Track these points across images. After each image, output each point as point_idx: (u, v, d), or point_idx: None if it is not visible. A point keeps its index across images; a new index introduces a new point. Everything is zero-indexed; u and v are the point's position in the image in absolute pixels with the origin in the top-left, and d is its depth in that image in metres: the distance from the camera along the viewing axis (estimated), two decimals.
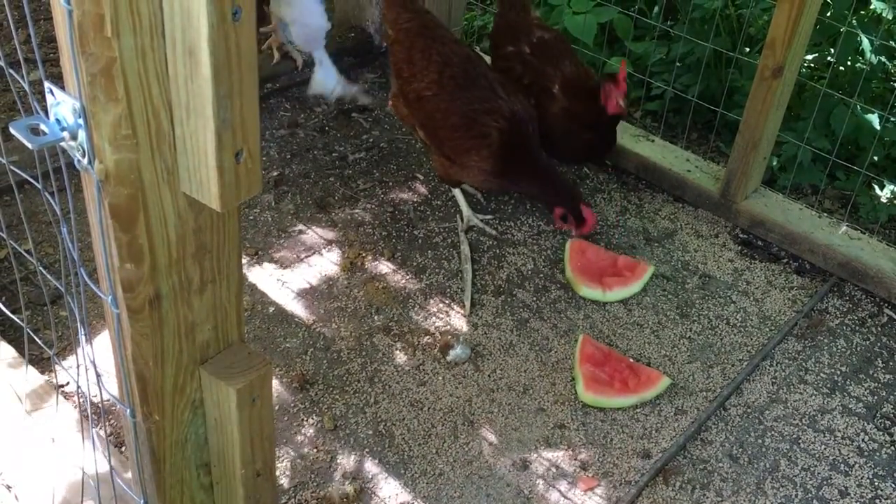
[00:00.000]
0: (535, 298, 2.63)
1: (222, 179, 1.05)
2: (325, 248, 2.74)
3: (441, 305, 2.57)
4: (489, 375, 2.37)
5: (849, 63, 3.29)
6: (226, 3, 0.93)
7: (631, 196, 3.07)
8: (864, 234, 2.86)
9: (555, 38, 2.87)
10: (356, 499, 2.03)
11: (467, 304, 2.56)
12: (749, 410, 2.36)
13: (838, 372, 2.49)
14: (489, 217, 2.89)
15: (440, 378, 2.35)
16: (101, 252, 1.13)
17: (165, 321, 1.19)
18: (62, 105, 1.04)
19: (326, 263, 2.68)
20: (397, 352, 2.41)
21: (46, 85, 1.05)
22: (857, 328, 2.64)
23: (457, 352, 2.38)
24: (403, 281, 2.64)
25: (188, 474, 1.39)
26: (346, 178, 3.04)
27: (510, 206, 2.98)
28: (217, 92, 0.99)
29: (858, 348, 2.57)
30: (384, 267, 2.69)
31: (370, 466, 2.11)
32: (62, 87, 1.05)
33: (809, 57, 3.32)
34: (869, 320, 2.68)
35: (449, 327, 2.49)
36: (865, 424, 2.34)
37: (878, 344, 2.60)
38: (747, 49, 3.44)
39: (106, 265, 1.14)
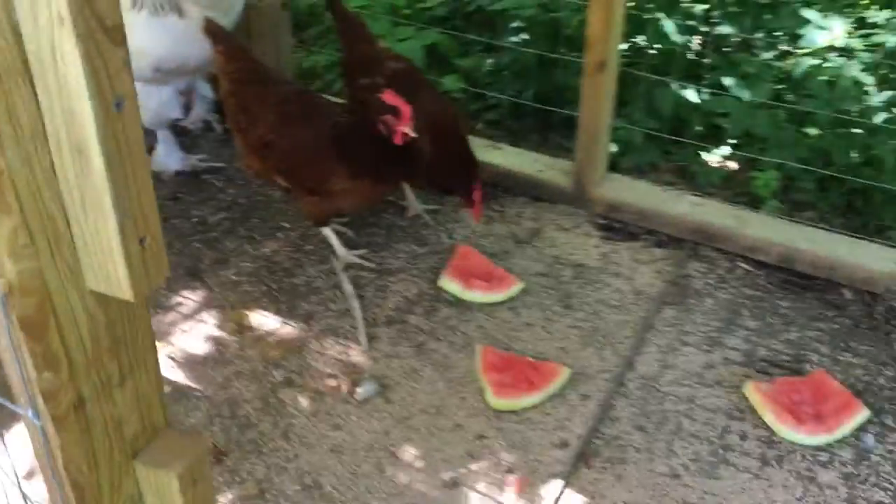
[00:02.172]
0: (426, 321, 2.69)
1: (131, 269, 1.05)
2: (207, 315, 2.69)
3: (338, 347, 2.58)
4: (400, 404, 2.41)
5: (659, 46, 3.56)
6: (108, 96, 0.94)
7: (493, 204, 3.19)
8: (706, 197, 3.11)
9: (408, 70, 2.95)
10: None
11: (363, 339, 2.59)
12: (645, 381, 2.51)
13: (713, 328, 2.69)
14: (363, 251, 2.93)
15: (354, 418, 2.36)
16: (14, 367, 1.10)
17: (92, 423, 1.17)
18: None
19: (212, 330, 2.64)
20: (305, 402, 2.41)
21: None
22: (719, 285, 2.86)
23: (365, 388, 2.40)
24: (295, 331, 2.64)
25: None
26: (211, 242, 2.99)
27: (381, 237, 3.03)
28: (113, 184, 0.99)
29: (724, 303, 2.79)
30: (272, 321, 2.67)
31: None
32: None
33: (625, 46, 3.56)
34: (727, 275, 2.90)
35: (351, 366, 2.51)
36: (747, 370, 2.54)
37: (740, 295, 2.82)
38: (564, 50, 3.64)
39: (22, 379, 1.10)
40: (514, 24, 3.75)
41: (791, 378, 2.48)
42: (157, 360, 1.26)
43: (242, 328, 2.64)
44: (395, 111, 2.50)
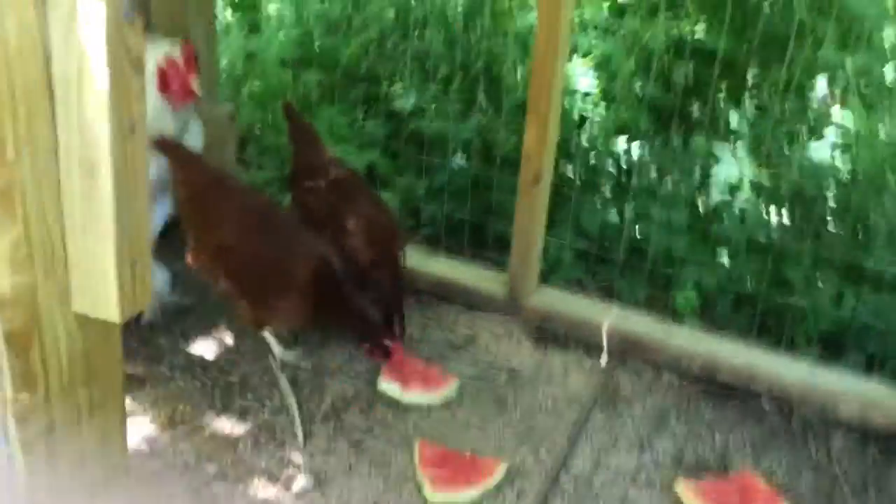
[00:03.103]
0: (363, 419, 2.69)
1: (122, 290, 1.08)
2: (138, 410, 2.62)
3: (274, 442, 2.55)
4: (336, 499, 2.37)
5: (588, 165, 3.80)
6: (124, 117, 1.00)
7: (429, 312, 3.27)
8: (633, 311, 3.26)
9: (350, 176, 3.07)
10: None
11: (300, 434, 2.56)
12: (579, 480, 2.55)
13: (643, 432, 2.77)
14: (299, 350, 2.93)
15: None
16: None
17: (58, 454, 1.15)
18: None
19: (144, 424, 2.57)
20: (239, 497, 2.35)
21: None
22: (647, 394, 2.97)
23: (301, 483, 2.36)
24: (229, 426, 2.59)
25: None
26: (145, 340, 2.95)
27: (317, 336, 3.04)
28: (118, 205, 1.04)
29: (651, 409, 2.89)
30: (206, 416, 2.62)
31: None
32: None
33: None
34: (653, 384, 3.02)
35: (287, 461, 2.47)
36: (675, 473, 2.61)
37: (667, 402, 2.93)
38: (497, 171, 3.84)
39: None
40: (451, 147, 3.95)
41: (718, 479, 2.56)
42: (123, 402, 1.26)
43: (174, 422, 2.58)
44: (386, 351, 2.75)
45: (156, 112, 2.58)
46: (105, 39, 0.91)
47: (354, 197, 3.00)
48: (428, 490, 2.38)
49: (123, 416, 1.24)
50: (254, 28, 4.64)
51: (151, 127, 2.72)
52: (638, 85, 3.86)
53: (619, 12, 3.90)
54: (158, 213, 2.95)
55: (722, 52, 3.55)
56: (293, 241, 2.72)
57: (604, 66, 3.77)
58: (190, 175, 2.74)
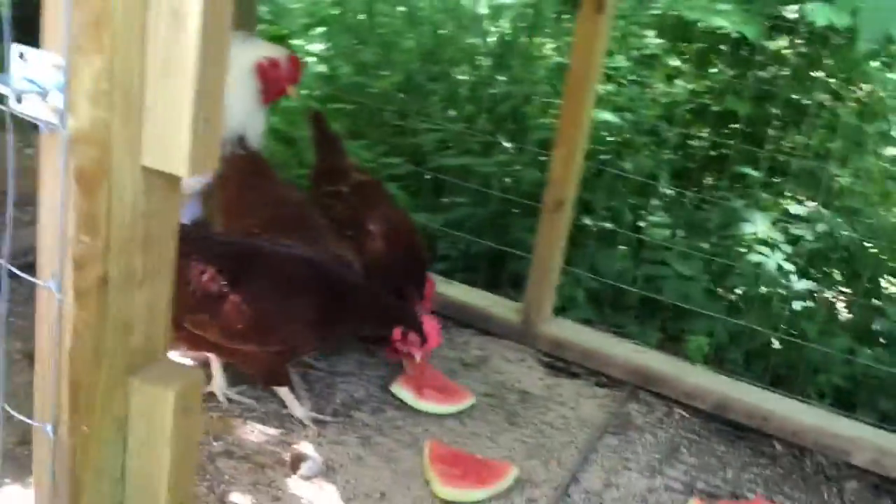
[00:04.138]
0: (373, 418, 2.65)
1: (193, 145, 1.09)
2: None
3: (283, 428, 2.50)
4: (344, 486, 2.32)
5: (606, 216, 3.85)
6: None
7: (442, 332, 3.24)
8: (647, 348, 3.25)
9: (371, 182, 3.11)
10: None
11: (308, 419, 2.52)
12: (589, 495, 2.49)
13: (654, 459, 2.72)
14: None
15: (294, 492, 2.25)
16: (56, 227, 1.09)
17: (108, 311, 1.15)
18: (34, 66, 1.05)
19: None
20: (244, 473, 2.29)
21: (16, 49, 1.06)
22: (658, 425, 2.93)
23: (308, 464, 2.31)
24: (239, 410, 2.55)
25: None
26: None
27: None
28: (201, 58, 1.06)
29: (663, 440, 2.84)
30: (215, 400, 2.58)
31: None
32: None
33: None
34: (665, 419, 2.98)
35: (295, 447, 2.42)
36: (687, 498, 2.56)
37: (678, 436, 2.89)
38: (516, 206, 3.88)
39: (58, 242, 1.09)
40: (470, 184, 4.00)
41: (733, 502, 2.50)
42: (171, 284, 1.26)
43: None
44: (423, 335, 2.62)
45: (246, 102, 2.76)
46: None
47: (376, 202, 3.03)
48: (438, 485, 2.32)
49: (170, 298, 1.24)
50: None
51: (238, 112, 2.76)
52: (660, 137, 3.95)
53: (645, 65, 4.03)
54: (186, 213, 2.98)
55: (744, 115, 3.67)
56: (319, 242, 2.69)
57: (628, 113, 3.87)
58: (233, 155, 2.74)
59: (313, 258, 2.52)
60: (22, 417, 1.20)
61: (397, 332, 2.63)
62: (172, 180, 1.16)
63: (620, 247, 3.72)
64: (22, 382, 2.36)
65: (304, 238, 2.68)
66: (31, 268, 1.20)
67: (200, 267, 2.33)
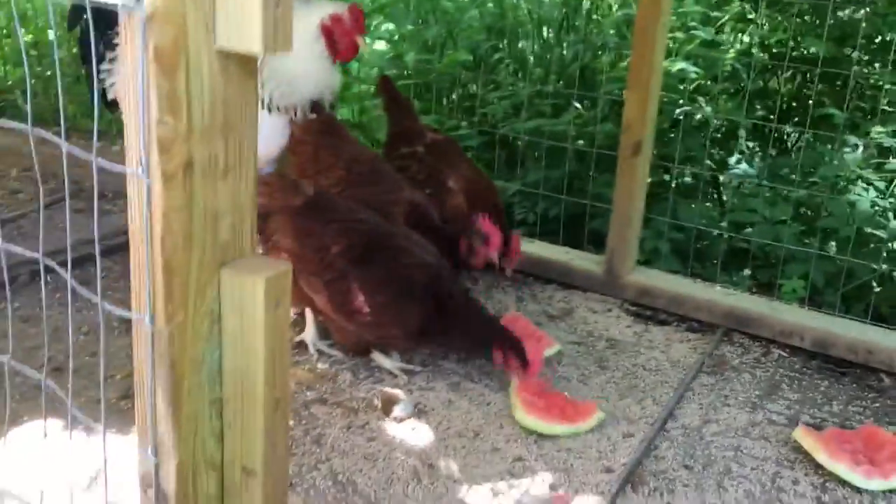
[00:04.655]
0: (461, 367, 2.64)
1: (265, 20, 1.11)
2: None
3: (373, 378, 2.52)
4: (436, 427, 2.31)
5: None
6: None
7: (524, 288, 3.23)
8: (735, 290, 3.15)
9: (446, 141, 3.12)
10: None
11: (398, 370, 2.53)
12: (688, 430, 2.42)
13: (754, 395, 2.63)
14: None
15: (388, 433, 2.26)
16: (139, 111, 1.11)
17: (195, 198, 1.16)
18: None
19: None
20: (338, 417, 2.31)
21: None
22: (756, 365, 2.83)
23: (401, 408, 2.32)
24: (329, 362, 2.58)
25: (202, 410, 1.27)
26: None
27: None
28: None
29: (763, 378, 2.74)
30: (306, 354, 2.62)
31: None
32: None
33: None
34: (763, 358, 2.88)
35: (386, 393, 2.43)
36: (793, 429, 2.45)
37: (778, 374, 2.78)
38: (592, 169, 3.83)
39: (142, 125, 1.12)
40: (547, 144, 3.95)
41: (841, 430, 2.40)
42: (256, 174, 1.27)
43: None
44: (485, 237, 2.60)
45: (316, 65, 2.70)
46: None
47: (452, 160, 3.03)
48: (520, 413, 2.30)
49: (254, 193, 1.24)
50: None
51: (310, 77, 2.70)
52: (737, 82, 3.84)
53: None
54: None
55: (824, 56, 3.53)
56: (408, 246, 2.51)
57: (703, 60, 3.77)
58: (307, 120, 2.77)
59: (433, 264, 2.46)
60: (122, 311, 1.22)
61: (499, 355, 2.42)
62: (247, 63, 1.17)
63: (703, 198, 3.62)
64: (123, 345, 2.46)
65: (381, 191, 2.70)
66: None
67: (332, 238, 2.37)
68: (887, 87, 3.69)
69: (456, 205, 2.94)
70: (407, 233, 2.53)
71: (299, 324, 2.69)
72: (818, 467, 2.27)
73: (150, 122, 1.12)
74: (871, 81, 3.88)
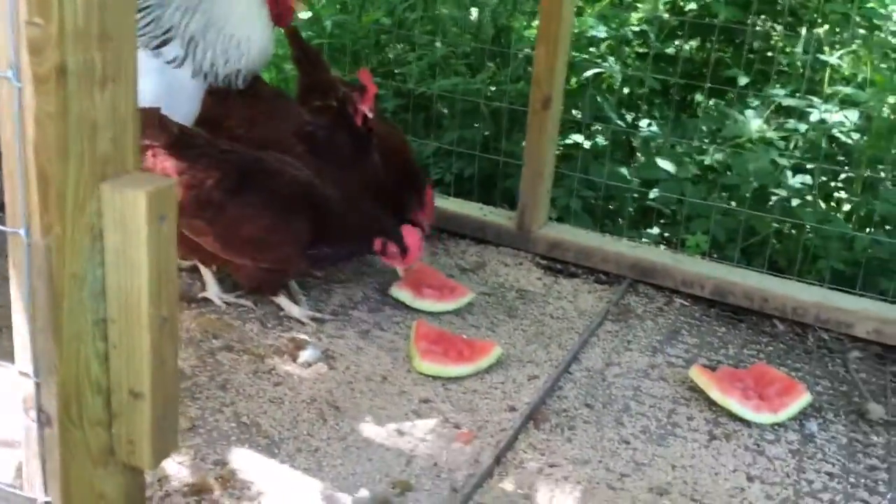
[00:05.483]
0: (371, 316, 2.66)
1: None
2: None
3: (281, 327, 2.51)
4: (344, 371, 2.33)
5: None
6: None
7: (437, 244, 3.25)
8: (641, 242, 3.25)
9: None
10: (231, 478, 1.85)
11: (305, 317, 2.53)
12: (591, 372, 2.50)
13: (655, 341, 2.73)
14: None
15: (295, 377, 2.26)
16: (7, 11, 1.09)
17: (70, 106, 1.15)
18: None
19: None
20: (244, 363, 2.31)
21: None
22: (658, 313, 2.93)
23: (308, 352, 2.33)
24: (237, 312, 2.56)
25: (85, 329, 1.25)
26: None
27: None
28: None
29: (664, 325, 2.84)
30: (213, 304, 2.59)
31: (241, 451, 1.95)
32: None
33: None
34: (665, 307, 2.98)
35: (293, 340, 2.43)
36: (688, 372, 2.56)
37: (679, 321, 2.89)
38: (506, 127, 3.88)
39: (11, 26, 1.09)
40: (460, 108, 3.99)
41: (734, 369, 2.51)
42: (136, 92, 1.26)
43: (182, 304, 2.55)
44: (361, 90, 2.59)
45: (265, 29, 2.69)
46: None
47: None
48: (417, 361, 2.34)
49: (135, 111, 1.23)
50: None
51: (256, 41, 2.65)
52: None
53: None
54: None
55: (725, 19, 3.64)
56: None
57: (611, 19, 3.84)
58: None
59: (310, 179, 2.50)
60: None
61: (378, 244, 2.58)
62: None
63: (613, 158, 3.70)
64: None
65: (276, 120, 2.68)
66: None
67: (204, 172, 2.34)
68: (787, 49, 3.83)
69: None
70: (276, 156, 2.54)
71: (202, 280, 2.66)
72: (712, 404, 2.38)
73: (20, 23, 1.10)
74: (772, 43, 4.02)
